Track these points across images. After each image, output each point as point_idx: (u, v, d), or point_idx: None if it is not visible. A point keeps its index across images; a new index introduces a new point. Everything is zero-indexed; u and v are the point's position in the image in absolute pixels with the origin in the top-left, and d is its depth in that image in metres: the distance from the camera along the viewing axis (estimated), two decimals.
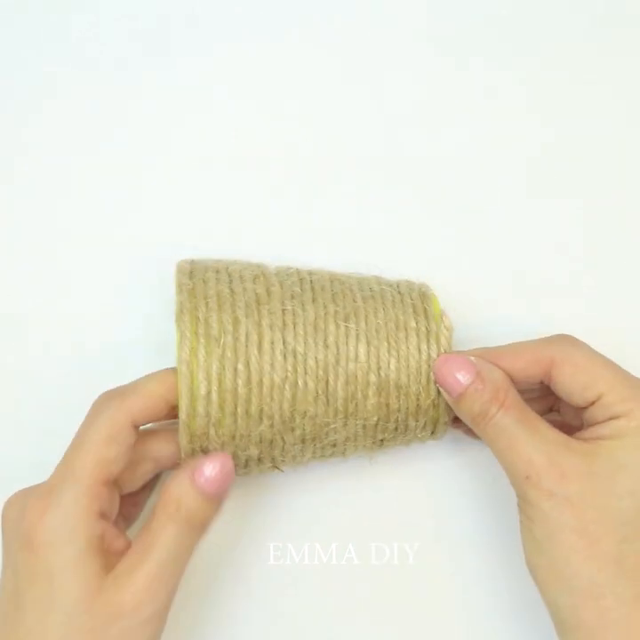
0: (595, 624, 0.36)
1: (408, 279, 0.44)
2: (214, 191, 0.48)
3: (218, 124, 0.49)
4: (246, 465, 0.41)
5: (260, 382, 0.39)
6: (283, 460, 0.41)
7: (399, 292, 0.42)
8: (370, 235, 0.48)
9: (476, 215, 0.48)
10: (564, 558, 0.36)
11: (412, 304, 0.42)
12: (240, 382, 0.38)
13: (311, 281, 0.41)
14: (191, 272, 0.41)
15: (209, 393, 0.38)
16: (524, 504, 0.38)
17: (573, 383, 0.39)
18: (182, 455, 0.39)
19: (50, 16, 0.49)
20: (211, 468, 0.37)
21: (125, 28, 0.49)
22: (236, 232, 0.48)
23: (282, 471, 0.43)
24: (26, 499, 0.37)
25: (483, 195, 0.49)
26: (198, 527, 0.37)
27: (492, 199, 0.48)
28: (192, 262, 0.42)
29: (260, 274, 0.41)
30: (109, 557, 0.36)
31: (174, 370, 0.39)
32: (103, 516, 0.37)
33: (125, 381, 0.39)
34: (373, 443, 0.42)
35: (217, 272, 0.41)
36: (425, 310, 0.41)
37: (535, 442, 0.38)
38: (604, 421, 0.38)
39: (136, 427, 0.38)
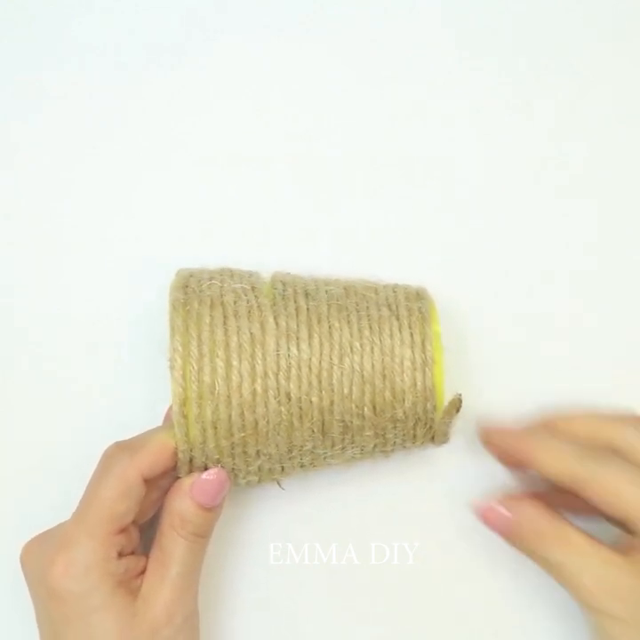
0: None
1: (407, 301, 0.42)
2: (214, 192, 0.48)
3: (218, 125, 0.49)
4: (247, 483, 0.42)
5: (256, 427, 0.39)
6: (283, 480, 0.43)
7: (397, 316, 0.41)
8: (370, 236, 0.48)
9: (480, 217, 0.48)
10: None
11: (410, 332, 0.40)
12: (235, 429, 0.38)
13: (308, 309, 0.40)
14: (185, 305, 0.39)
15: (205, 441, 0.39)
16: (592, 620, 0.39)
17: (604, 506, 0.39)
18: (180, 475, 0.40)
19: (50, 17, 0.49)
20: (206, 483, 0.39)
21: (125, 30, 0.49)
22: (236, 233, 0.48)
23: (283, 489, 0.44)
24: (43, 547, 0.39)
25: (486, 196, 0.49)
26: (204, 534, 0.40)
27: (496, 200, 0.48)
28: (185, 287, 0.40)
29: (254, 305, 0.40)
30: (134, 581, 0.39)
31: None
32: (123, 553, 0.39)
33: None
34: (373, 457, 0.43)
35: (211, 306, 0.39)
36: (422, 334, 0.40)
37: (585, 569, 0.38)
38: None
39: (146, 480, 0.39)
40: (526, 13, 0.50)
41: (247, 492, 0.45)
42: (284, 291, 0.41)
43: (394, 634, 0.45)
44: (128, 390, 0.46)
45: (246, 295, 0.40)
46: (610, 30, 0.50)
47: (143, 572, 0.39)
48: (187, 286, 0.40)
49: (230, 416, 0.38)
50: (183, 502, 0.39)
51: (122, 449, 0.39)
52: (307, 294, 0.41)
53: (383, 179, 0.48)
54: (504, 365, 0.47)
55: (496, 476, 0.46)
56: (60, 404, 0.46)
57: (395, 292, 0.42)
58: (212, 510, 0.40)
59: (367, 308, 0.41)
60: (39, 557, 0.39)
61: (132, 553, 0.40)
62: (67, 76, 0.48)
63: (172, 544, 0.39)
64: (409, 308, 0.41)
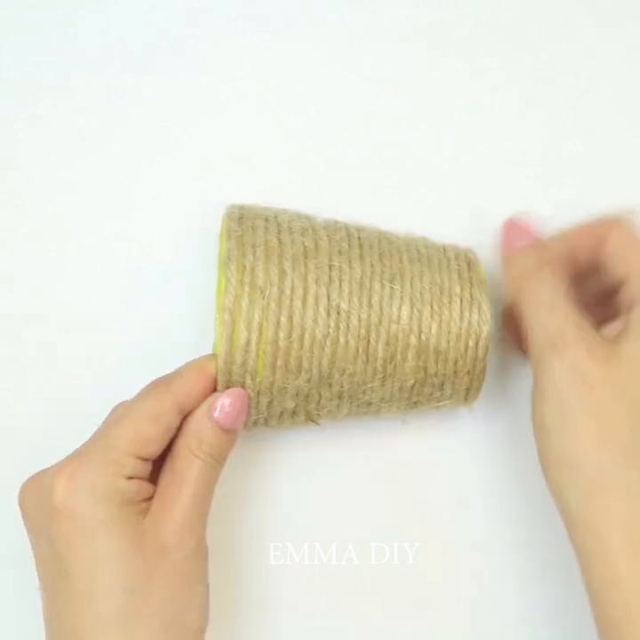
0: (601, 517, 0.35)
1: (455, 244, 0.43)
2: (214, 193, 0.48)
3: (217, 127, 0.49)
4: (281, 416, 0.41)
5: (302, 336, 0.38)
6: (318, 414, 0.41)
7: (445, 257, 0.42)
8: None
9: (480, 217, 0.48)
10: (575, 443, 0.36)
11: (458, 270, 0.41)
12: (281, 335, 0.38)
13: (359, 237, 0.41)
14: (240, 218, 0.40)
15: (248, 342, 0.38)
16: (542, 376, 0.38)
17: (613, 255, 0.40)
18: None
19: (52, 16, 0.49)
20: (226, 403, 0.38)
21: (127, 31, 0.49)
22: None
23: (317, 424, 0.42)
24: (45, 473, 0.37)
25: (486, 196, 0.49)
26: (219, 459, 0.39)
27: (496, 200, 0.48)
28: (241, 208, 0.41)
29: (308, 226, 0.40)
30: (143, 504, 0.37)
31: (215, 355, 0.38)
32: (133, 477, 0.37)
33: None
34: (407, 405, 0.42)
35: (266, 221, 0.40)
36: (470, 278, 0.41)
37: (571, 310, 0.38)
38: (627, 309, 0.38)
39: (180, 412, 0.38)
40: (527, 13, 0.50)
41: (247, 493, 0.45)
42: (335, 224, 0.41)
43: (394, 634, 0.45)
44: (128, 391, 0.46)
45: (300, 219, 0.41)
46: (610, 30, 0.50)
47: (151, 497, 0.38)
48: (242, 207, 0.41)
49: (278, 320, 0.38)
50: (201, 422, 0.38)
51: (157, 380, 0.39)
52: (359, 230, 0.42)
53: (382, 179, 0.48)
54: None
55: (497, 477, 0.46)
56: (60, 404, 0.46)
57: (445, 249, 0.43)
58: (229, 432, 0.39)
59: (417, 249, 0.42)
60: (39, 485, 0.36)
61: (145, 482, 0.38)
62: (67, 75, 0.48)
63: (186, 464, 0.38)
64: (457, 255, 0.42)
